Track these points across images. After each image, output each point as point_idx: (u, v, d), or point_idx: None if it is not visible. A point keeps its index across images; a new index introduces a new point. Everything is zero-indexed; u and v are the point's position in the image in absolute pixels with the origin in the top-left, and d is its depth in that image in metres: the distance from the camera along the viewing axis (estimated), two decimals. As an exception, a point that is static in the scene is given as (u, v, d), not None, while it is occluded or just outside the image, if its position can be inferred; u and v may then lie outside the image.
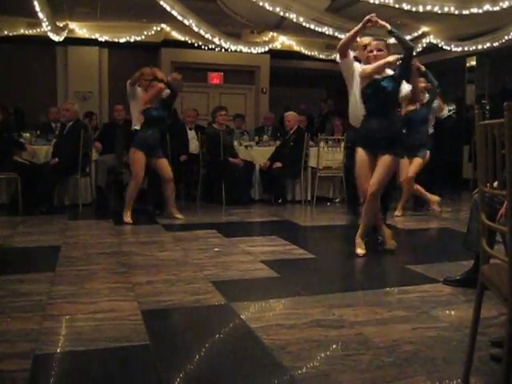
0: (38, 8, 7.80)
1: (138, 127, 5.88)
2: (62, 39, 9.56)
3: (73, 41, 10.14)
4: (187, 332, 2.68)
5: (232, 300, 3.08)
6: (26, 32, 9.64)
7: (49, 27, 8.67)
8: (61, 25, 9.60)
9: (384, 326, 2.69)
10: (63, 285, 3.36)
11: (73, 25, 10.05)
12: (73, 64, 10.41)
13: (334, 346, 2.43)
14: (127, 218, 5.72)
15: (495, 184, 1.91)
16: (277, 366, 2.22)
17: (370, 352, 2.35)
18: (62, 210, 6.60)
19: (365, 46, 4.40)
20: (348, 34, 4.40)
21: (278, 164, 7.48)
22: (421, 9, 7.57)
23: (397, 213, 6.26)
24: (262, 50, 10.70)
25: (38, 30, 9.25)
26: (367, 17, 4.15)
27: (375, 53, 4.14)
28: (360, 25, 4.19)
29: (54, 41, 9.42)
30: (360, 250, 4.25)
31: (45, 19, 8.27)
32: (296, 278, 3.70)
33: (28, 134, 7.29)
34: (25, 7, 8.07)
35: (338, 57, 4.58)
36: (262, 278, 3.65)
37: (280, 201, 7.51)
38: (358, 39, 4.59)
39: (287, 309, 3.01)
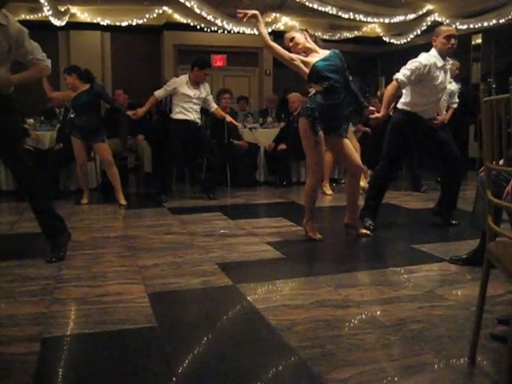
0: (38, -8, 7.76)
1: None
2: (63, 24, 9.50)
3: (74, 25, 10.07)
4: (194, 314, 2.70)
5: (238, 281, 3.10)
6: (28, 17, 9.56)
7: (50, 12, 8.62)
8: (62, 9, 9.51)
9: (390, 305, 2.69)
10: (70, 269, 3.38)
11: (74, 9, 9.95)
12: (75, 49, 10.35)
13: (340, 326, 2.44)
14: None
15: (501, 162, 1.89)
16: (284, 346, 2.23)
17: (377, 331, 2.36)
18: (68, 195, 6.63)
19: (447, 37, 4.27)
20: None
21: (283, 146, 7.45)
22: (425, -14, 7.47)
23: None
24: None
25: (40, 14, 9.18)
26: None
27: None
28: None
29: (55, 25, 9.36)
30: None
31: (46, 4, 8.22)
32: (302, 258, 3.71)
33: (32, 120, 7.28)
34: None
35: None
36: (267, 259, 3.66)
37: (285, 182, 7.49)
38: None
39: (293, 289, 3.02)
